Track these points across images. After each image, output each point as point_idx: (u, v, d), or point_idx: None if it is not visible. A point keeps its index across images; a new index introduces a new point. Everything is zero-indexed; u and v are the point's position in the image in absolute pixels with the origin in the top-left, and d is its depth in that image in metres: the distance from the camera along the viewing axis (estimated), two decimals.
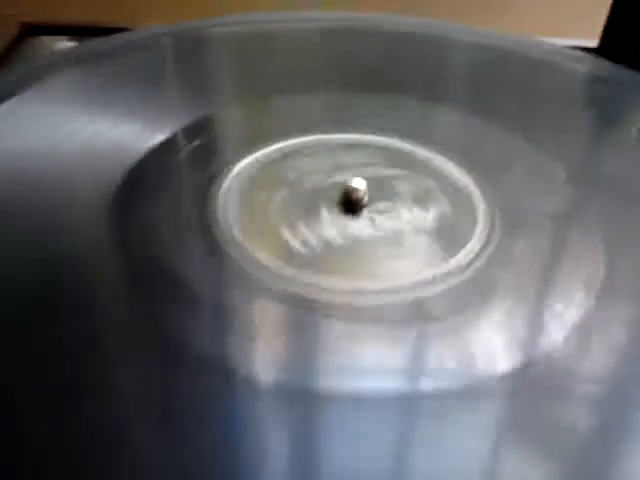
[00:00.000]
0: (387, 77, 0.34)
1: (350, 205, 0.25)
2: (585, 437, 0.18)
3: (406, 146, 0.29)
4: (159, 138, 0.28)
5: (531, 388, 0.19)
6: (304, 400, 0.18)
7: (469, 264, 0.23)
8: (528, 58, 0.36)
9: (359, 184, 0.25)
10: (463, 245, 0.24)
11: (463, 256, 0.23)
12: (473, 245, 0.24)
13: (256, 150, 0.28)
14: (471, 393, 0.19)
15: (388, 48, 0.36)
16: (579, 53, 0.37)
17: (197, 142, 0.28)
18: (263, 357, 0.19)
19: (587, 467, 0.17)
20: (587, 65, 0.36)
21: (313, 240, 0.24)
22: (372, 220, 0.25)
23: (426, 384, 0.19)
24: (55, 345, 0.19)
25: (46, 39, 0.44)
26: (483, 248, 0.24)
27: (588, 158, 0.30)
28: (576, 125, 0.32)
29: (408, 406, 0.19)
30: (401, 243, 0.24)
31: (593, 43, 0.39)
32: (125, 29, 0.40)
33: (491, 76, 0.35)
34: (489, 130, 0.30)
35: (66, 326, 0.20)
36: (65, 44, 0.43)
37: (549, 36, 0.40)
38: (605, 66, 0.35)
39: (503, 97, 0.33)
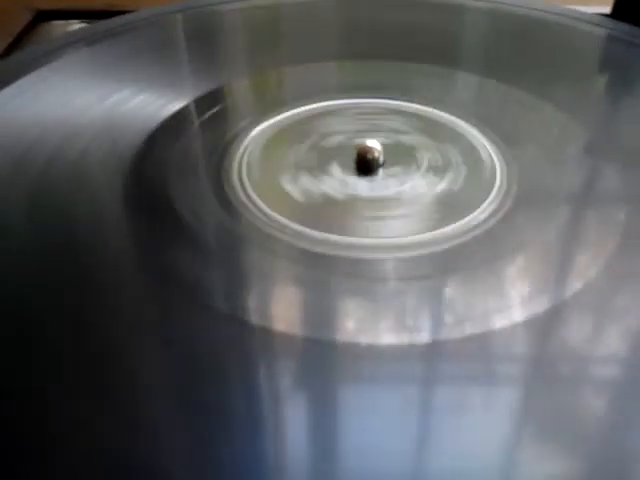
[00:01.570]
0: (404, 45, 0.34)
1: (364, 165, 0.25)
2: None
3: (428, 111, 0.29)
4: (176, 106, 0.28)
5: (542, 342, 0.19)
6: (309, 350, 0.18)
7: (466, 230, 0.23)
8: (548, 22, 0.36)
9: (374, 144, 0.25)
10: (467, 212, 0.23)
11: (463, 222, 0.23)
12: (477, 213, 0.23)
13: (274, 115, 0.28)
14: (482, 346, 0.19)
15: (405, 16, 0.36)
16: (599, 17, 0.36)
17: (219, 107, 0.29)
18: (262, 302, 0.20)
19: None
20: (607, 28, 0.35)
21: (322, 197, 0.24)
22: (384, 180, 0.25)
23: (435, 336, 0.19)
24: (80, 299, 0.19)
25: (59, 24, 0.45)
26: (488, 217, 0.23)
27: (610, 120, 0.30)
28: (597, 87, 0.32)
29: (418, 359, 0.19)
30: (407, 205, 0.24)
31: (606, 9, 0.39)
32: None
33: (512, 42, 0.35)
34: (511, 95, 0.30)
35: (90, 284, 0.20)
36: (77, 29, 0.43)
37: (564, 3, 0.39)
38: (624, 28, 0.35)
39: (525, 62, 0.33)
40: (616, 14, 0.38)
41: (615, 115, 0.30)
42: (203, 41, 0.35)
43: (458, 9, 0.37)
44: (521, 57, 0.33)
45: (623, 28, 0.35)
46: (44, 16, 0.46)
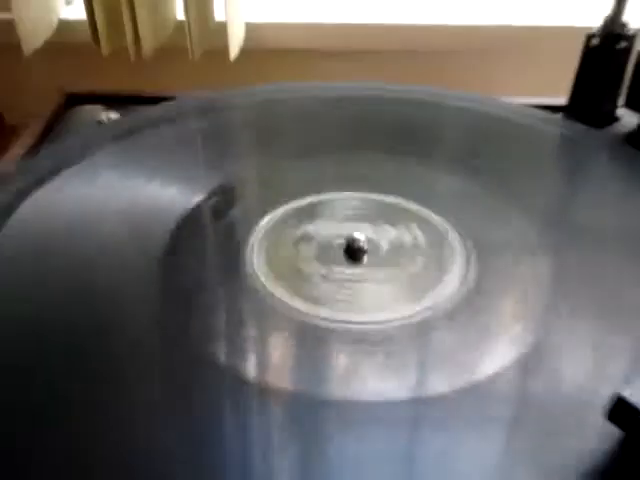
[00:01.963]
0: (385, 141, 0.40)
1: (353, 253, 0.31)
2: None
3: (403, 202, 0.35)
4: (196, 199, 0.35)
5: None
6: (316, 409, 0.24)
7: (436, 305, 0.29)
8: (506, 120, 0.42)
9: (360, 236, 0.31)
10: (437, 289, 0.30)
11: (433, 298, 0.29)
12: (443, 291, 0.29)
13: (278, 207, 0.34)
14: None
15: (388, 114, 0.43)
16: (551, 115, 0.43)
17: (229, 201, 0.35)
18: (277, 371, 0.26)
19: None
20: (558, 126, 0.42)
21: (323, 282, 0.30)
22: (371, 265, 0.31)
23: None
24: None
25: (89, 108, 0.51)
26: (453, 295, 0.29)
27: (559, 209, 0.36)
28: (552, 182, 0.38)
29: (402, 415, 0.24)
30: (390, 286, 0.30)
31: (562, 101, 0.45)
32: (163, 98, 0.47)
33: (473, 138, 0.41)
34: (471, 188, 0.36)
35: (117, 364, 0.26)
36: (107, 113, 0.49)
37: (524, 95, 0.46)
38: (574, 127, 0.41)
39: (486, 158, 0.39)
40: (570, 109, 0.44)
41: (568, 205, 0.36)
42: (219, 134, 0.42)
43: (425, 107, 0.43)
44: (484, 153, 0.40)
45: (577, 128, 0.41)
46: (75, 100, 0.52)
